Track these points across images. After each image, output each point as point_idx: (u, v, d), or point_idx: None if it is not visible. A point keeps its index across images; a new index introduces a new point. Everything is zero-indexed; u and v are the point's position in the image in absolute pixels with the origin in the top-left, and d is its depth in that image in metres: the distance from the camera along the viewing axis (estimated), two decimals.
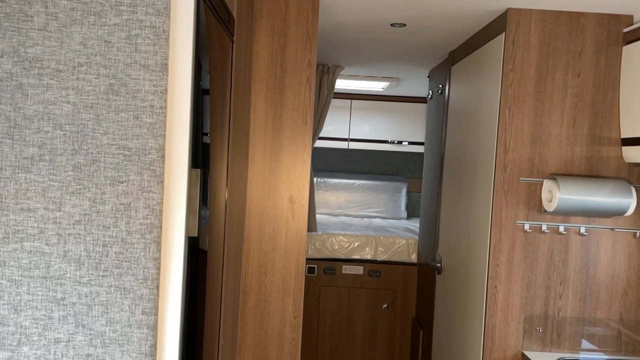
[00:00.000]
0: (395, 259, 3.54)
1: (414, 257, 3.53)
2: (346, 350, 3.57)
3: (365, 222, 4.19)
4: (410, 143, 4.36)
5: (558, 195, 1.88)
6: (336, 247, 3.52)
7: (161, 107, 1.01)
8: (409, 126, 4.34)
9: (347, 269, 3.53)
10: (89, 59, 1.00)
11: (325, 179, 4.53)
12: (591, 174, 2.00)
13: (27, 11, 0.99)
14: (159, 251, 1.02)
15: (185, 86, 1.05)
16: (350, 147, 4.41)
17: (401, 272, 3.54)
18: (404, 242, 3.54)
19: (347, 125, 4.35)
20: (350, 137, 4.38)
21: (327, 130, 4.22)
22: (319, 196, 4.42)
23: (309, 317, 3.46)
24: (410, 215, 4.61)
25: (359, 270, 3.54)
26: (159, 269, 1.02)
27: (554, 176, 1.95)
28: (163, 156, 1.02)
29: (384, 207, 4.48)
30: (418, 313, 3.42)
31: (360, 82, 3.76)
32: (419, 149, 4.26)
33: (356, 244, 3.53)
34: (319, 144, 3.97)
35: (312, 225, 3.52)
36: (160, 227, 1.02)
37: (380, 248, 3.53)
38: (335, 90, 3.36)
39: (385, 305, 3.54)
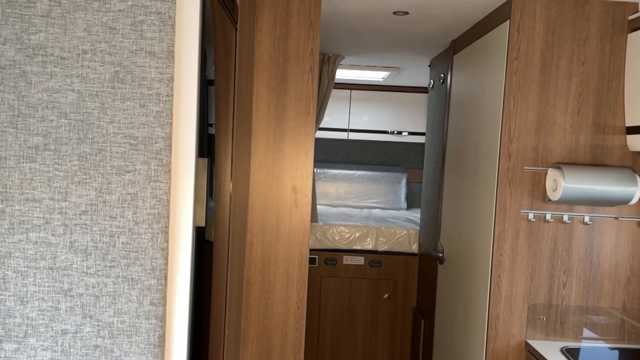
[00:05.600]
0: (396, 249, 3.54)
1: (414, 247, 3.53)
2: (347, 340, 3.58)
3: (365, 212, 4.19)
4: (410, 133, 4.35)
5: (563, 184, 1.87)
6: (337, 238, 3.52)
7: (167, 95, 0.99)
8: (409, 116, 4.32)
9: (348, 260, 3.53)
10: (93, 46, 0.98)
11: (325, 170, 4.52)
12: (596, 163, 1.99)
13: None
14: (167, 241, 1.01)
15: (192, 73, 1.03)
16: (349, 138, 4.39)
17: (402, 262, 3.54)
18: (405, 232, 3.54)
19: (347, 115, 4.33)
20: (350, 127, 4.36)
21: (326, 120, 4.19)
22: (318, 187, 4.41)
23: (310, 308, 3.46)
24: (410, 205, 4.61)
25: (359, 260, 3.53)
26: (166, 259, 1.01)
27: (558, 165, 1.94)
28: (170, 145, 1.00)
29: (383, 198, 4.47)
30: (419, 303, 3.43)
31: (361, 72, 3.74)
32: (419, 139, 4.24)
33: (357, 235, 3.53)
34: (319, 134, 3.95)
35: (313, 216, 3.51)
36: (168, 217, 1.01)
37: (381, 238, 3.53)
38: (335, 81, 3.34)
39: (386, 296, 3.54)
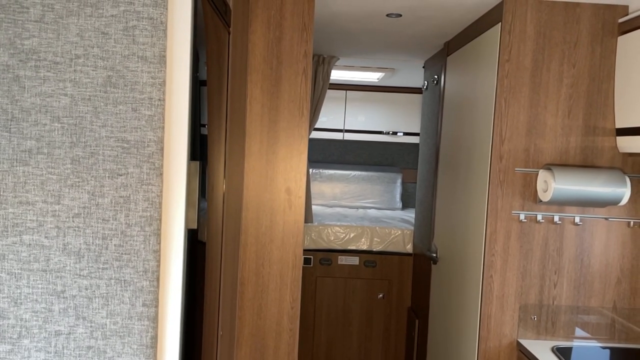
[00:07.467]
0: (390, 250, 3.56)
1: (409, 248, 3.55)
2: (342, 340, 3.59)
3: (360, 212, 4.20)
4: (405, 134, 4.37)
5: (553, 185, 1.89)
6: (332, 238, 3.53)
7: (159, 100, 1.01)
8: (404, 117, 4.34)
9: (342, 260, 3.55)
10: (86, 51, 0.99)
11: (321, 170, 4.53)
12: (586, 164, 2.01)
13: (23, 2, 0.98)
14: (159, 243, 1.02)
15: (184, 78, 1.05)
16: (345, 138, 4.41)
17: (397, 263, 3.56)
18: (400, 232, 3.55)
19: (342, 116, 4.35)
20: (346, 128, 4.37)
21: (322, 121, 4.21)
22: (314, 187, 4.43)
23: (305, 308, 3.48)
24: (405, 206, 4.63)
25: (354, 260, 3.55)
26: (158, 261, 1.03)
27: (549, 166, 1.96)
28: (162, 149, 1.02)
29: (379, 198, 4.49)
30: (414, 303, 3.45)
31: (356, 73, 3.75)
32: (414, 139, 4.26)
33: (352, 235, 3.54)
34: (314, 135, 3.96)
35: (308, 216, 3.53)
36: (160, 220, 1.02)
37: (375, 239, 3.55)
38: (330, 81, 3.35)
39: (381, 295, 3.56)
